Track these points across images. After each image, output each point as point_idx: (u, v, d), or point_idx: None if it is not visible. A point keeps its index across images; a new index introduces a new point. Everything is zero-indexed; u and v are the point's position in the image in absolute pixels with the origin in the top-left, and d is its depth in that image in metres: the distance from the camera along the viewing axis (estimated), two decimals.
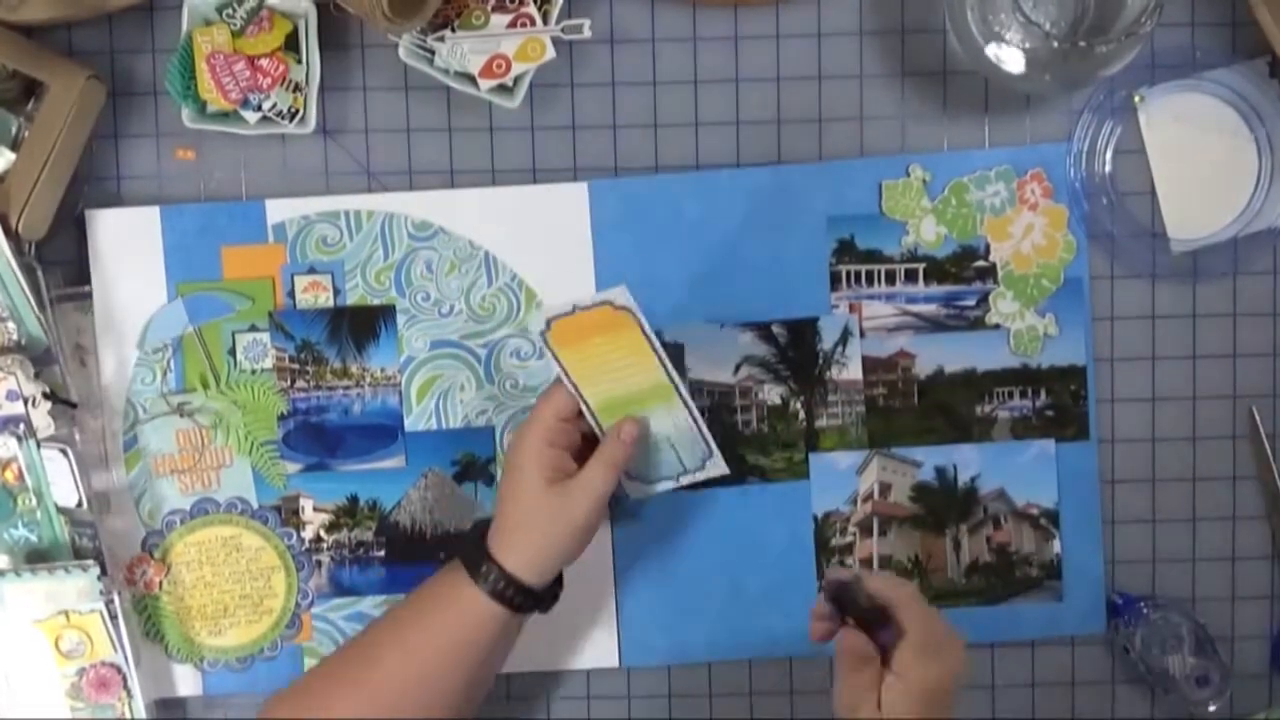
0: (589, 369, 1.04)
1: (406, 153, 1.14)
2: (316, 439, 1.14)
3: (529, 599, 1.03)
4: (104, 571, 1.08)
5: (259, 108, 1.09)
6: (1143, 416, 1.16)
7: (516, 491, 1.03)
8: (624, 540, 1.14)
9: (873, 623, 0.97)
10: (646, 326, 1.03)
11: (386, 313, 1.14)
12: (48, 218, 1.08)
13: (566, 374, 1.04)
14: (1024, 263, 1.15)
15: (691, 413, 1.06)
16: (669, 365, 1.05)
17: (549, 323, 1.03)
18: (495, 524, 1.04)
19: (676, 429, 1.06)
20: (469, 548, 1.04)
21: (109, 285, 1.13)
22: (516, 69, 1.09)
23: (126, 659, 1.09)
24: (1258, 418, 1.16)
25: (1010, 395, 1.15)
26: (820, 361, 1.15)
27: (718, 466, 1.08)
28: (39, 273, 1.10)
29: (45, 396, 1.08)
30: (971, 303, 1.15)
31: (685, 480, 1.08)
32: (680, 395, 1.05)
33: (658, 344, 1.04)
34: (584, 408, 1.05)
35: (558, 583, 1.06)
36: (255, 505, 1.14)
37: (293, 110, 1.10)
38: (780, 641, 1.15)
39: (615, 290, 1.03)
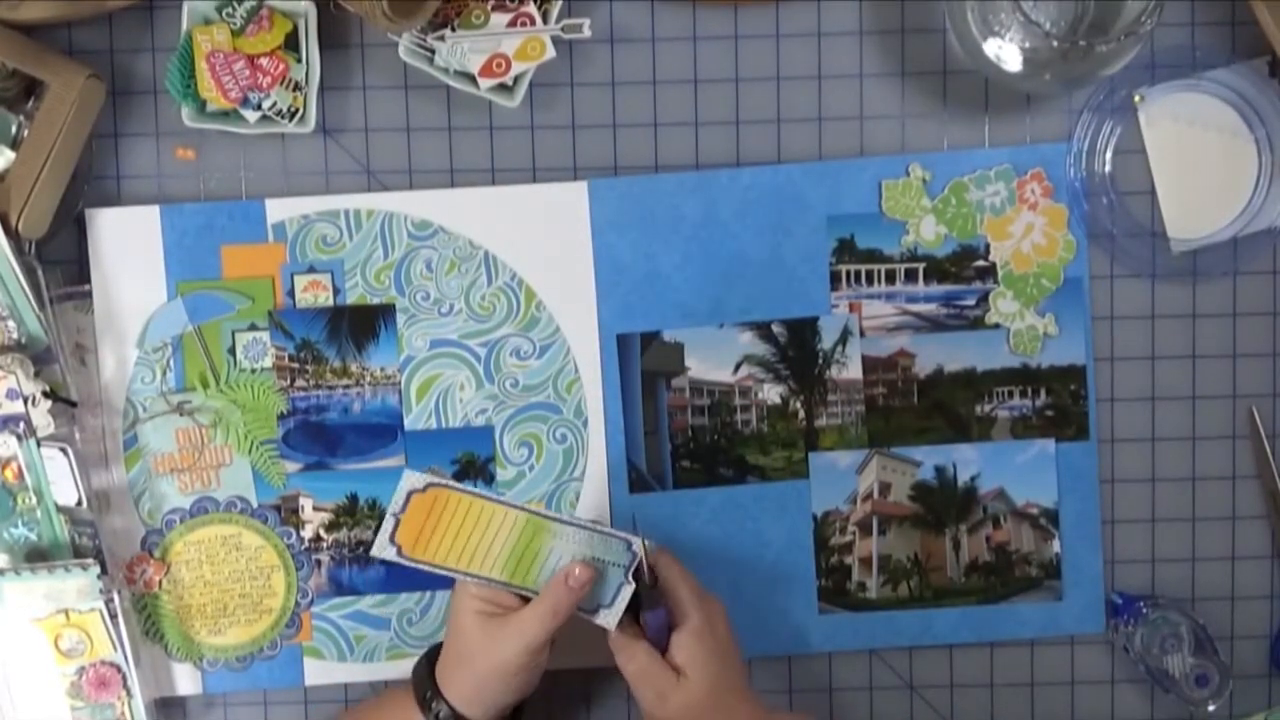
0: (462, 552, 1.01)
1: (406, 152, 1.14)
2: (316, 438, 1.14)
3: None
4: (104, 570, 1.08)
5: (259, 107, 1.09)
6: (1143, 416, 1.16)
7: (454, 623, 1.03)
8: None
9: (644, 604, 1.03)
10: (456, 484, 1.00)
11: (386, 312, 1.14)
12: (48, 217, 1.08)
13: (453, 570, 1.02)
14: (1024, 262, 1.15)
15: (579, 524, 1.02)
16: (515, 502, 1.01)
17: (394, 540, 1.01)
18: (442, 652, 1.05)
19: (584, 547, 1.02)
20: (420, 674, 1.05)
21: (109, 284, 1.13)
22: (516, 68, 1.09)
23: (126, 658, 1.09)
24: (1258, 418, 1.16)
25: (1010, 395, 1.15)
26: (820, 361, 1.15)
27: (645, 544, 1.03)
28: (39, 272, 1.10)
29: (45, 395, 1.08)
30: (971, 302, 1.15)
31: (632, 572, 1.03)
32: (554, 519, 1.02)
33: (485, 491, 1.00)
34: (494, 585, 1.02)
35: (518, 712, 1.06)
36: (255, 504, 1.14)
37: (292, 109, 1.10)
38: (780, 639, 1.15)
39: (405, 478, 1.00)
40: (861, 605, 1.16)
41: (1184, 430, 1.16)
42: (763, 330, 1.15)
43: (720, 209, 1.14)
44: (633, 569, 1.03)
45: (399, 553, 1.02)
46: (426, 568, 1.02)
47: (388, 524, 1.01)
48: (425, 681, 1.04)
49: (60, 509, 1.08)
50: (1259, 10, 1.10)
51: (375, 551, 1.02)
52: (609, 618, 1.03)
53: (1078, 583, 1.16)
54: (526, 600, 1.02)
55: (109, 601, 1.08)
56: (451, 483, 1.01)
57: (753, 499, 1.15)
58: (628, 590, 1.03)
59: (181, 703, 1.16)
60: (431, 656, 1.06)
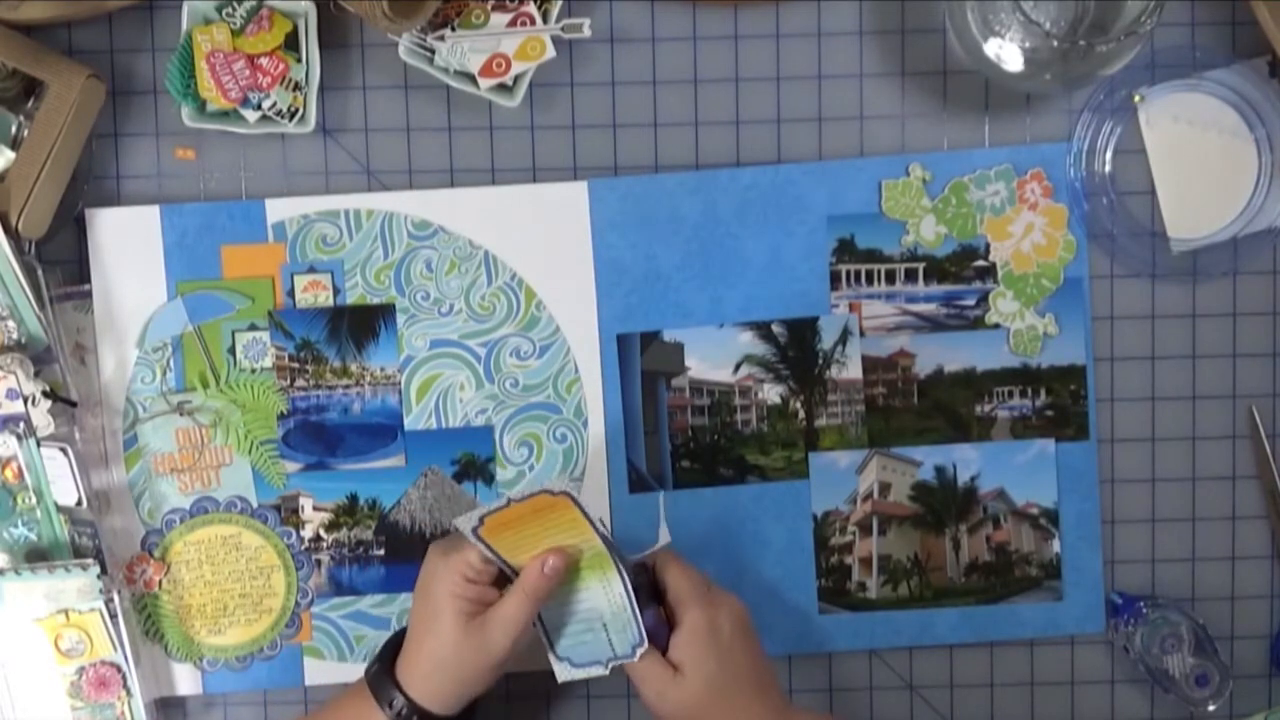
0: (521, 549, 1.02)
1: (406, 152, 1.14)
2: (316, 438, 1.14)
3: None
4: (104, 570, 1.08)
5: (259, 106, 1.09)
6: (1143, 416, 1.16)
7: (433, 628, 1.02)
8: (624, 540, 1.14)
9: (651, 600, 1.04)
10: (585, 508, 0.99)
11: (386, 312, 1.14)
12: (48, 217, 1.08)
13: (497, 556, 1.02)
14: (1024, 262, 1.15)
15: (626, 588, 1.02)
16: (608, 537, 1.01)
17: (482, 519, 0.99)
18: (407, 653, 1.03)
19: (611, 607, 1.03)
20: (376, 675, 1.03)
21: (109, 284, 1.13)
22: (516, 68, 1.09)
23: (126, 658, 1.09)
24: (1258, 418, 1.16)
25: (1010, 395, 1.15)
26: (820, 361, 1.15)
27: (644, 644, 1.03)
28: (39, 272, 1.10)
29: (45, 395, 1.08)
30: (971, 302, 1.15)
31: (612, 666, 1.05)
32: (617, 568, 1.02)
33: (596, 521, 1.00)
34: (511, 573, 1.03)
35: (470, 709, 1.05)
36: (255, 504, 1.14)
37: (292, 109, 1.10)
38: (780, 639, 1.15)
39: (552, 479, 0.99)
40: (861, 605, 1.16)
41: (1184, 430, 1.16)
42: (763, 330, 1.15)
43: (720, 209, 1.14)
44: (622, 659, 1.04)
45: (476, 530, 1.00)
46: (485, 551, 1.01)
47: (496, 502, 0.99)
48: (384, 679, 1.03)
49: (60, 509, 1.08)
50: (1259, 10, 1.10)
51: (459, 522, 1.00)
52: (563, 671, 1.06)
53: (1078, 583, 1.16)
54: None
55: (109, 601, 1.08)
56: (583, 503, 0.99)
57: (753, 499, 1.15)
58: (598, 669, 1.05)
59: (181, 703, 1.16)
60: (384, 656, 1.05)
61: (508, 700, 1.16)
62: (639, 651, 1.03)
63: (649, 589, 1.04)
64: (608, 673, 1.05)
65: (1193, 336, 1.16)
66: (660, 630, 1.03)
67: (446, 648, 1.01)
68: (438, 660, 1.02)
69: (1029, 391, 1.15)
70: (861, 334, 1.15)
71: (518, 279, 1.14)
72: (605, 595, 1.03)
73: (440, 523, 1.15)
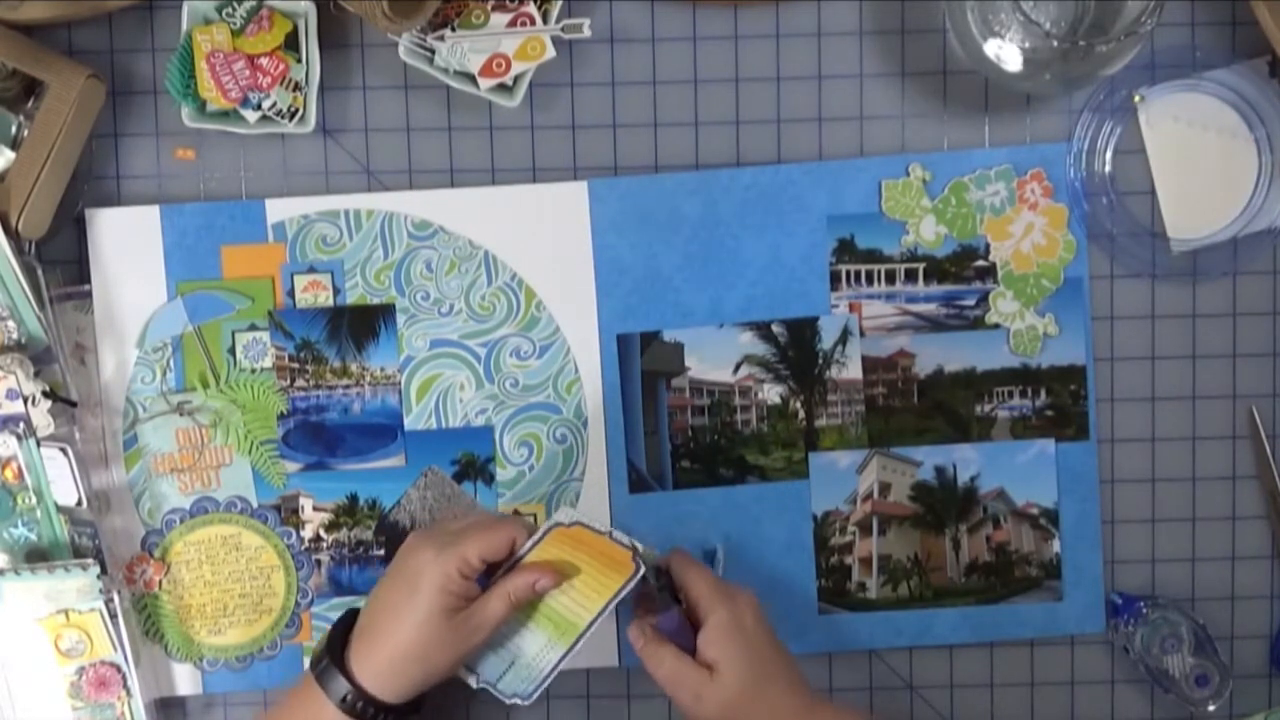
0: (550, 561, 1.04)
1: (406, 152, 1.14)
2: (316, 438, 1.14)
3: (391, 714, 1.02)
4: (104, 570, 1.08)
5: (259, 107, 1.09)
6: (1143, 416, 1.16)
7: (410, 620, 1.01)
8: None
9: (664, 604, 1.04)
10: (632, 585, 1.02)
11: (386, 312, 1.14)
12: (48, 217, 1.08)
13: (526, 553, 1.04)
14: (1024, 262, 1.15)
15: (559, 663, 1.03)
16: (598, 622, 1.02)
17: (572, 524, 1.03)
18: (369, 637, 1.02)
19: (533, 660, 1.04)
20: (324, 664, 1.02)
21: (109, 284, 1.13)
22: (516, 68, 1.09)
23: (126, 658, 1.09)
24: (1258, 418, 1.16)
25: (1010, 395, 1.15)
26: (820, 361, 1.15)
27: (523, 700, 1.05)
28: (39, 272, 1.10)
29: (45, 395, 1.08)
30: (971, 302, 1.15)
31: (483, 688, 1.05)
32: (573, 646, 1.03)
33: (616, 601, 1.02)
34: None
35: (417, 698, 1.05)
36: (255, 504, 1.14)
37: (292, 109, 1.10)
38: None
39: (651, 549, 1.03)
40: (861, 605, 1.16)
41: (1184, 430, 1.16)
42: (763, 330, 1.15)
43: (720, 209, 1.14)
44: (496, 691, 1.05)
45: (558, 524, 1.04)
46: (533, 541, 1.04)
47: (599, 525, 1.04)
48: (333, 668, 1.02)
49: (60, 509, 1.09)
50: (1259, 10, 1.10)
51: (561, 512, 1.06)
52: (469, 676, 1.06)
53: (1078, 583, 1.16)
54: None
55: (109, 601, 1.08)
56: (637, 579, 1.02)
57: (753, 499, 1.15)
58: (469, 679, 1.05)
59: (181, 703, 1.16)
60: (332, 648, 1.03)
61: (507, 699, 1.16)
62: (515, 700, 1.04)
63: (669, 591, 1.05)
64: (473, 687, 1.05)
65: (1193, 336, 1.16)
66: (685, 631, 1.03)
67: (427, 639, 1.01)
68: (409, 650, 1.01)
69: (1029, 391, 1.15)
70: (861, 334, 1.15)
71: (518, 279, 1.14)
72: (537, 649, 1.04)
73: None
